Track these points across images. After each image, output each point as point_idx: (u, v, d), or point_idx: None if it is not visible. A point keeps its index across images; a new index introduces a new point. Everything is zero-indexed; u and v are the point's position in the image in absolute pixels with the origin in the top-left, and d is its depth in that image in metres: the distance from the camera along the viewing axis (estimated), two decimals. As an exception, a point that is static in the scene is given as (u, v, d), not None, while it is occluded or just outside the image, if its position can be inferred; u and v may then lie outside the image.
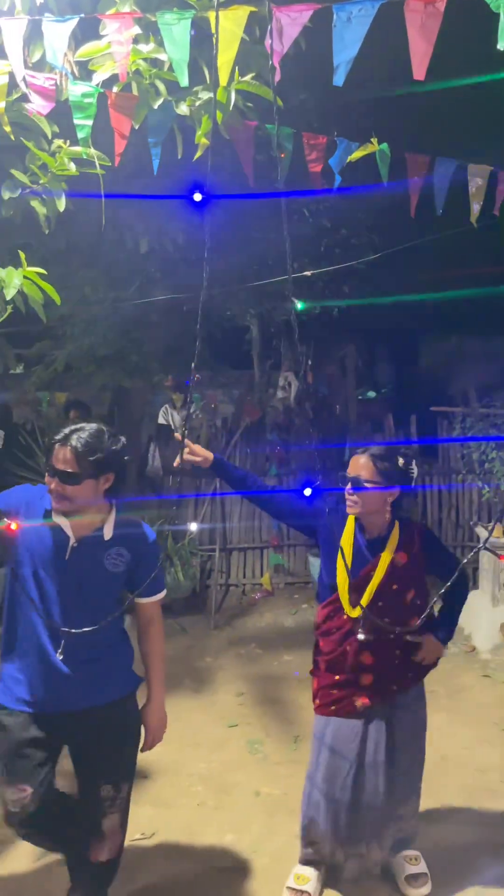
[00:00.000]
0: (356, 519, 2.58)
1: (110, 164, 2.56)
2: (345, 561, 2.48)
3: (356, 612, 2.48)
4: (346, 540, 2.55)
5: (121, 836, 2.41)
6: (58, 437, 2.21)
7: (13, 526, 2.18)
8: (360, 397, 9.46)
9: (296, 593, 6.53)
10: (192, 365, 1.47)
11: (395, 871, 2.73)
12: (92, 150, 2.43)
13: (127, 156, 2.48)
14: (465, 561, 2.18)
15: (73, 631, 2.21)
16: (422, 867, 2.71)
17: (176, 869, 2.89)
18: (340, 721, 2.57)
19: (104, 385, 6.06)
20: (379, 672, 2.53)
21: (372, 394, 11.75)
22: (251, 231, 5.40)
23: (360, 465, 2.49)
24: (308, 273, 3.85)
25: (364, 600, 2.43)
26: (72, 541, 2.26)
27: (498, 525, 5.32)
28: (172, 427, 7.30)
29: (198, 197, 1.68)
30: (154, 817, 3.21)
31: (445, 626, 2.62)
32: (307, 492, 2.28)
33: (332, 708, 2.58)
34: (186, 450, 2.47)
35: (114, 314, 5.24)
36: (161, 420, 7.50)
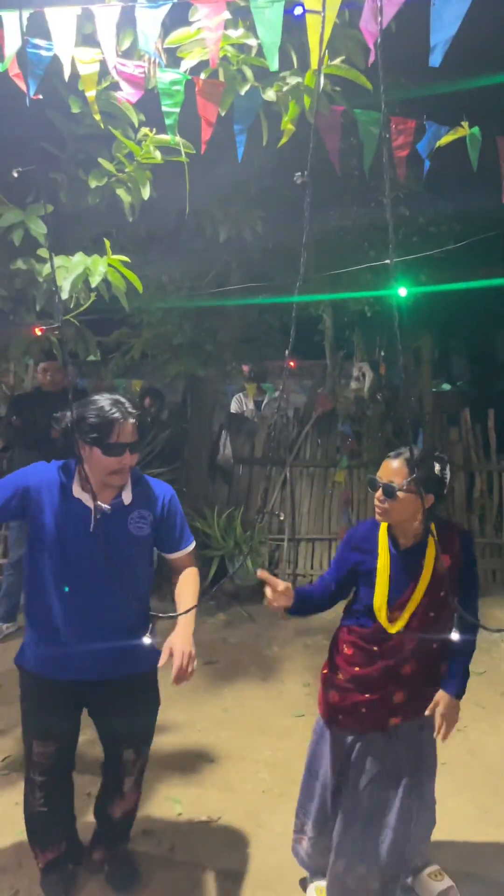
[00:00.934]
0: (388, 530, 2.42)
1: (195, 151, 2.56)
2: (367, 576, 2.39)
3: (396, 628, 2.34)
4: (383, 558, 2.39)
5: (138, 794, 2.65)
6: (118, 414, 2.25)
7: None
8: (434, 389, 9.24)
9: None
10: (286, 351, 1.45)
11: (421, 892, 2.64)
12: (179, 138, 2.44)
13: (211, 142, 2.48)
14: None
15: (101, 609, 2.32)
16: (447, 881, 2.63)
17: (240, 854, 2.92)
18: (363, 738, 2.44)
19: (178, 373, 6.13)
20: (411, 688, 2.40)
21: (447, 386, 11.47)
22: (326, 218, 5.35)
23: (394, 469, 2.30)
24: (387, 262, 3.76)
25: (405, 617, 2.33)
26: (94, 513, 2.30)
27: None
28: (245, 415, 7.33)
29: (298, 180, 1.64)
30: (220, 801, 3.25)
31: (459, 679, 2.41)
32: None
33: (359, 729, 2.44)
34: (270, 592, 2.29)
35: (189, 303, 5.28)
36: (233, 408, 7.53)
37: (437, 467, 2.33)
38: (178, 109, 2.32)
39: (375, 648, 2.39)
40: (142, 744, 2.58)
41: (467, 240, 5.28)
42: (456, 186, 5.49)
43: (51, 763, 2.48)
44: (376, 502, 2.34)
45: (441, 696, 2.37)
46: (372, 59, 1.90)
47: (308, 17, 1.81)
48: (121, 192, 2.77)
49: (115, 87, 2.44)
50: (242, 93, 2.33)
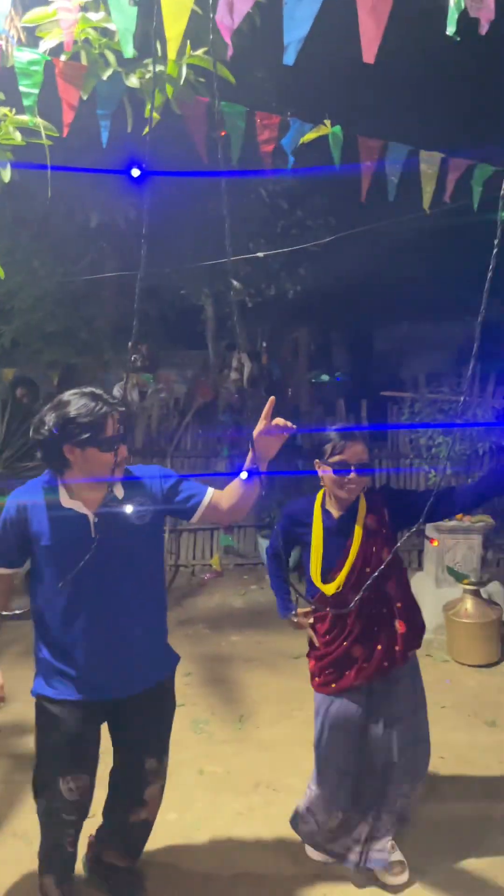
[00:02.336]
0: (322, 505, 2.68)
1: (58, 134, 2.48)
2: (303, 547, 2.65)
3: (331, 588, 2.60)
4: (317, 530, 2.65)
5: (160, 801, 2.54)
6: (104, 410, 2.14)
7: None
8: (312, 381, 9.49)
9: (245, 574, 6.57)
10: (129, 344, 1.44)
11: (373, 860, 2.74)
12: (39, 120, 2.35)
13: (76, 128, 2.41)
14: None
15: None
16: (398, 855, 2.73)
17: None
18: (342, 699, 2.66)
19: (52, 362, 5.95)
20: (375, 645, 2.61)
21: (325, 377, 11.81)
22: (206, 209, 5.34)
23: (361, 450, 2.57)
24: (260, 255, 3.82)
25: (341, 577, 2.58)
26: (91, 517, 2.21)
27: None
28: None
29: (135, 173, 1.63)
30: (97, 795, 3.21)
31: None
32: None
33: (333, 686, 2.66)
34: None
35: (62, 290, 5.13)
36: (114, 398, 7.41)
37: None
38: (36, 90, 2.24)
39: (328, 610, 2.63)
40: (163, 752, 2.49)
41: (341, 233, 5.43)
42: (326, 182, 5.64)
43: (84, 799, 2.33)
44: (348, 485, 2.56)
45: None
46: (230, 53, 1.91)
47: (164, 4, 1.79)
48: (-21, 173, 2.63)
49: (-30, 62, 2.32)
50: (105, 77, 2.28)
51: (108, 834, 2.60)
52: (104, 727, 2.45)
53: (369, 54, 1.54)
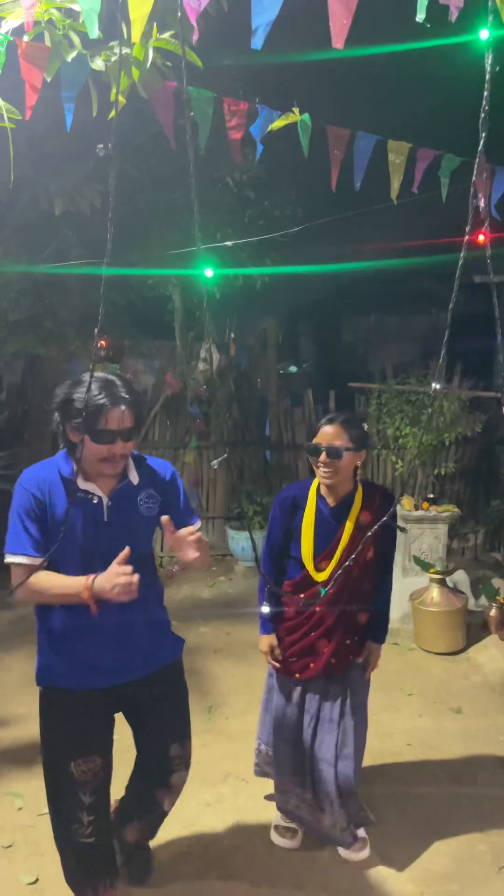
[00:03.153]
0: (317, 490, 2.64)
1: (20, 118, 2.42)
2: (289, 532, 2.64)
3: (322, 576, 2.59)
4: (308, 516, 2.62)
5: (184, 785, 2.51)
6: (107, 401, 2.06)
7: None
8: (280, 371, 9.48)
9: (213, 566, 6.56)
10: (95, 330, 1.40)
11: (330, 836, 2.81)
12: (1, 102, 2.30)
13: (39, 111, 2.35)
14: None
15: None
16: (361, 832, 2.82)
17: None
18: (304, 683, 2.71)
19: (16, 352, 5.83)
20: (339, 635, 2.63)
21: (293, 368, 11.82)
22: (174, 197, 5.29)
23: (332, 433, 2.53)
24: (229, 244, 3.79)
25: (331, 566, 2.57)
26: (105, 500, 2.18)
27: (407, 497, 5.48)
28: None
29: (100, 152, 1.59)
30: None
31: (382, 625, 2.77)
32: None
33: (297, 676, 2.70)
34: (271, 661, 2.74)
35: (26, 278, 5.02)
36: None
37: (365, 425, 2.60)
38: (-2, 71, 2.18)
39: (302, 596, 2.64)
40: (185, 736, 2.46)
41: (308, 223, 5.42)
42: (294, 171, 5.61)
43: (99, 779, 2.26)
44: (321, 468, 2.53)
45: (371, 647, 2.72)
46: (196, 37, 1.88)
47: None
48: None
49: None
50: (69, 59, 2.22)
51: (128, 809, 2.56)
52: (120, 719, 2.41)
53: (339, 40, 1.52)
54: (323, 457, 2.53)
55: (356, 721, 2.72)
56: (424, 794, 3.19)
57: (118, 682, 2.26)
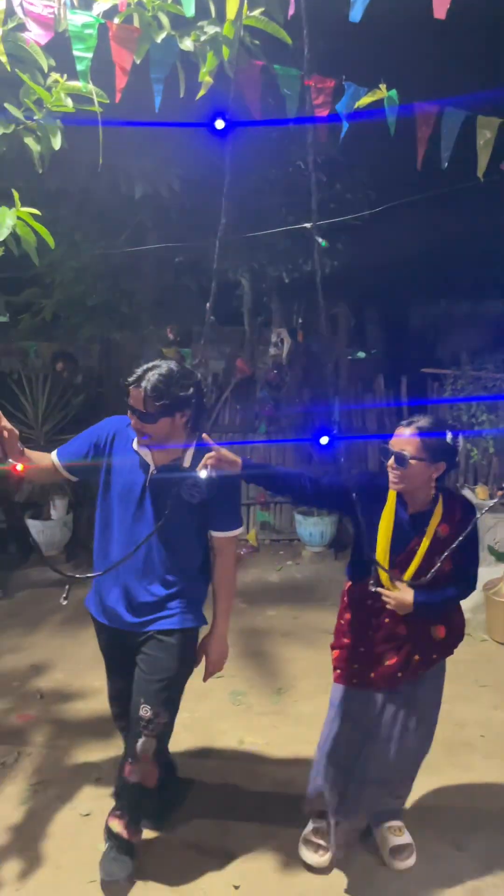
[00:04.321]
0: (398, 493, 2.45)
1: (109, 101, 2.45)
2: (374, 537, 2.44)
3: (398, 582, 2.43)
4: (387, 516, 2.44)
5: (151, 766, 2.51)
6: (131, 379, 2.30)
7: (19, 467, 2.21)
8: (350, 357, 9.39)
9: (281, 550, 6.58)
10: (207, 305, 1.41)
11: (380, 843, 2.72)
12: (91, 86, 2.33)
13: (127, 93, 2.38)
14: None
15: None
16: (406, 838, 2.70)
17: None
18: (361, 693, 2.55)
19: (92, 336, 5.95)
20: (408, 648, 2.48)
21: (362, 354, 11.69)
22: (248, 181, 5.28)
23: (405, 439, 2.35)
24: (308, 225, 3.74)
25: (407, 576, 2.40)
26: (152, 468, 2.40)
27: (482, 486, 5.36)
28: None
29: (220, 124, 1.59)
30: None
31: (429, 597, 2.43)
32: (324, 440, 2.23)
33: (354, 681, 2.56)
34: (212, 455, 2.23)
35: (104, 263, 5.11)
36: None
37: (448, 436, 2.39)
38: (90, 55, 2.21)
39: (368, 602, 2.50)
40: (158, 704, 2.45)
41: (382, 206, 5.32)
42: (372, 153, 5.51)
43: (119, 699, 2.68)
44: (389, 470, 2.38)
45: (403, 587, 2.41)
46: (291, 11, 1.86)
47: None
48: (29, 141, 2.62)
49: (23, 27, 2.29)
50: (158, 40, 2.24)
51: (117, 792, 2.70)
52: None
53: (441, 9, 1.48)
54: (391, 461, 2.36)
55: (419, 737, 2.59)
56: (497, 788, 3.14)
57: (118, 626, 2.51)
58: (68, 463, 2.51)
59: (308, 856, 2.68)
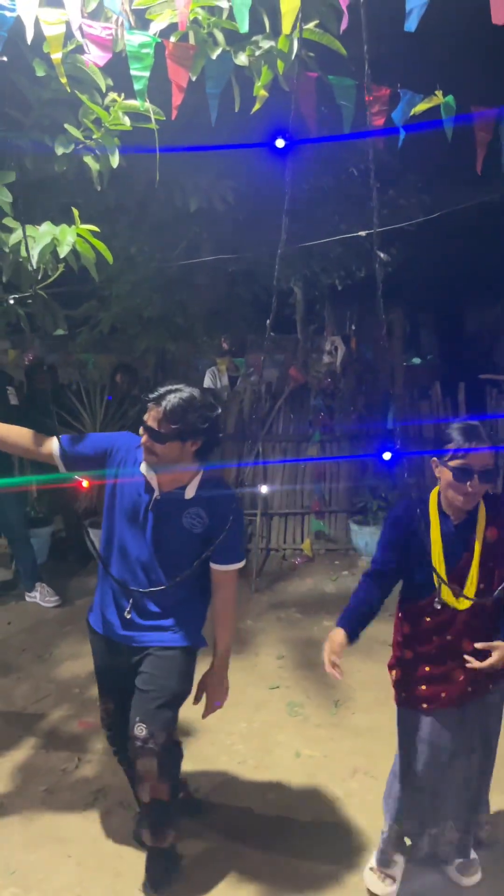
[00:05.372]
0: (438, 506, 2.37)
1: (165, 118, 2.49)
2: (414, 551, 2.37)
3: (464, 605, 2.32)
4: (435, 531, 2.36)
5: (157, 783, 2.43)
6: (153, 396, 2.32)
7: (84, 483, 2.27)
8: (405, 364, 9.28)
9: (336, 560, 6.52)
10: (268, 321, 1.42)
11: (446, 858, 2.66)
12: (148, 104, 2.37)
13: (182, 108, 2.41)
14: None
15: (140, 590, 2.42)
16: (472, 854, 2.64)
17: (219, 825, 2.95)
18: (434, 715, 2.45)
19: (148, 348, 6.04)
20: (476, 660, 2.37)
21: (417, 360, 11.54)
22: (302, 191, 5.28)
23: (487, 455, 2.23)
24: (362, 233, 3.73)
25: (469, 591, 2.30)
26: (156, 493, 2.40)
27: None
28: (218, 390, 7.26)
29: (280, 143, 1.60)
30: (195, 774, 3.27)
31: None
32: (387, 456, 2.20)
33: (425, 706, 2.45)
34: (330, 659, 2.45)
35: (159, 275, 5.18)
36: (207, 383, 7.46)
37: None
38: (147, 73, 2.25)
39: (428, 620, 2.40)
40: (154, 724, 2.40)
41: (437, 213, 5.26)
42: (427, 159, 5.45)
43: (111, 721, 2.68)
44: (470, 493, 2.25)
45: (499, 645, 2.30)
46: (345, 24, 1.85)
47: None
48: (88, 159, 2.68)
49: (82, 49, 2.35)
50: (214, 57, 2.27)
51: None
52: None
53: (499, 14, 1.45)
54: (475, 482, 2.20)
55: (486, 750, 2.51)
56: None
57: (117, 641, 2.51)
58: (69, 454, 2.45)
59: (375, 885, 2.61)
